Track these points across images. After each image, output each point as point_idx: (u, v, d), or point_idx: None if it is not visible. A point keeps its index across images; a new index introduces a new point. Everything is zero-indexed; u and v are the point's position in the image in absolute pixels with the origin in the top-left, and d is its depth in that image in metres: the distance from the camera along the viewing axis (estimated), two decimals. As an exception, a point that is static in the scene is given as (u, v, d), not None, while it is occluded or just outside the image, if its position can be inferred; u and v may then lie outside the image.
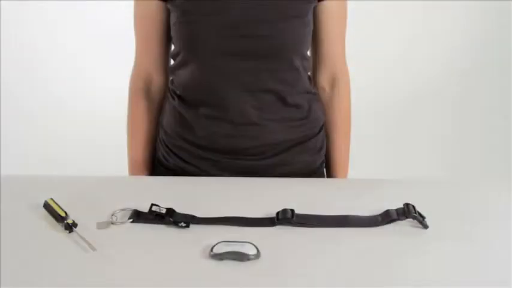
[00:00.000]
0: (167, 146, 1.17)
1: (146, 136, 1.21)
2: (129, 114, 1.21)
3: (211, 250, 0.79)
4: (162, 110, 1.20)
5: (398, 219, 0.89)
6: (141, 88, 1.17)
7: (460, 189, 1.05)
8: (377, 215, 0.90)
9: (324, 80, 1.19)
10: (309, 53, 1.16)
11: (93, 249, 0.80)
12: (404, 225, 0.89)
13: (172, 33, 1.08)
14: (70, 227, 0.85)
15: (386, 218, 0.90)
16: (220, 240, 0.80)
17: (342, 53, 1.18)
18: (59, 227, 0.86)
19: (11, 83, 2.95)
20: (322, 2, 1.09)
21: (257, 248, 0.79)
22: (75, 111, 2.89)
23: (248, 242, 0.80)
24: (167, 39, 1.13)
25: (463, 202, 0.99)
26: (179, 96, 1.13)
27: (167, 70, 1.17)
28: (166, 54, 1.16)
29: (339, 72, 1.18)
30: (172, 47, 1.14)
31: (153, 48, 1.14)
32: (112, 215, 0.89)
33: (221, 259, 0.78)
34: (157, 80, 1.17)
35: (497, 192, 1.03)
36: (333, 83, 1.19)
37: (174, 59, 1.14)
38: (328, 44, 1.14)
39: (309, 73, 1.17)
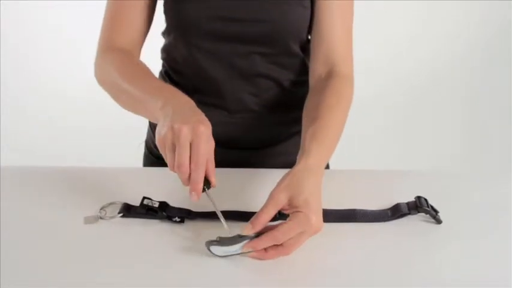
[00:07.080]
0: None
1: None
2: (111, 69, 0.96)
3: (208, 247, 0.76)
4: None
5: (410, 213, 0.86)
6: (117, 48, 0.99)
7: (474, 182, 1.00)
8: (386, 209, 0.88)
9: (319, 68, 1.00)
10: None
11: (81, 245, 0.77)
12: (416, 220, 0.86)
13: (164, 10, 1.01)
14: None
15: (396, 212, 0.87)
16: (217, 236, 0.77)
17: (342, 39, 0.99)
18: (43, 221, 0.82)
19: (8, 78, 2.95)
20: None
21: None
22: (67, 103, 2.87)
23: (247, 237, 0.75)
24: (147, 21, 1.01)
25: (477, 195, 0.95)
26: (172, 80, 1.08)
27: (139, 49, 1.03)
28: (141, 33, 1.02)
29: (339, 60, 0.98)
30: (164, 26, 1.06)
31: (128, 24, 0.99)
32: (100, 209, 0.86)
33: (219, 256, 0.75)
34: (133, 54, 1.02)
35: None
36: (329, 73, 0.98)
37: (165, 37, 1.06)
38: (325, 27, 0.99)
39: None
